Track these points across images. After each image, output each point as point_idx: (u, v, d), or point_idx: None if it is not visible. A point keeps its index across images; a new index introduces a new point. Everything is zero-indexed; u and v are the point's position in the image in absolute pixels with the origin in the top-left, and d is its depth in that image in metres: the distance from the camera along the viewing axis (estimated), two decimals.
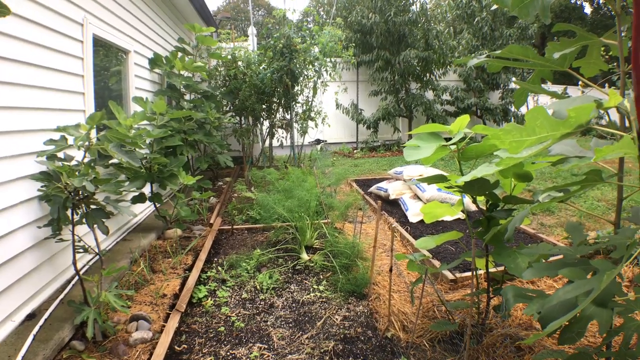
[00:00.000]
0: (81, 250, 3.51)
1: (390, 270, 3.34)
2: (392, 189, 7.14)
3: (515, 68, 14.49)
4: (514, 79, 15.08)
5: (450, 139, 2.70)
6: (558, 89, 18.21)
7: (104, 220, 3.47)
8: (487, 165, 1.93)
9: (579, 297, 1.67)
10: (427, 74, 14.51)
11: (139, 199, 5.10)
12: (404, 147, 2.67)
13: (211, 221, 6.11)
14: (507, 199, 2.83)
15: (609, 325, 1.70)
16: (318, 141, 14.04)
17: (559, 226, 5.75)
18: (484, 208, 3.02)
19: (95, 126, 3.51)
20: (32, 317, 3.24)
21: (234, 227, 5.98)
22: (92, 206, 3.46)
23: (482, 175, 1.95)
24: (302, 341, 3.23)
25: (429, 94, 15.17)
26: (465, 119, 2.76)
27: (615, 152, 1.35)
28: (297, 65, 9.55)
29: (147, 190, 5.28)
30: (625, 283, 3.79)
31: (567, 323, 1.78)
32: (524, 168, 2.70)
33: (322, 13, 27.84)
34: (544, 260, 2.46)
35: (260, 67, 9.90)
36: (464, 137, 2.68)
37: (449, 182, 2.93)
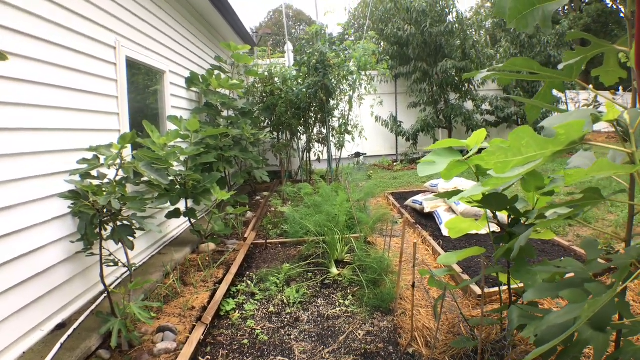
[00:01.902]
0: (112, 264, 3.65)
1: (413, 285, 3.34)
2: (427, 202, 7.10)
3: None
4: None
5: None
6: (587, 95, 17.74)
7: (130, 236, 3.60)
8: (477, 185, 1.91)
9: (577, 320, 1.64)
10: (466, 84, 14.37)
11: (174, 214, 5.23)
12: (419, 162, 2.67)
13: (245, 235, 6.20)
14: (516, 213, 2.79)
15: (605, 351, 1.65)
16: (357, 154, 14.06)
17: (595, 237, 5.62)
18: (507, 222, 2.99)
19: (130, 145, 3.64)
20: (62, 326, 3.40)
21: (268, 241, 6.05)
22: (121, 222, 3.59)
23: (477, 193, 1.93)
24: (323, 355, 3.25)
25: (469, 104, 15.02)
26: (482, 133, 2.75)
27: (593, 173, 1.33)
28: (332, 80, 9.62)
29: (182, 205, 5.41)
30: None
31: (563, 347, 1.75)
32: (545, 182, 2.66)
33: (356, 24, 27.93)
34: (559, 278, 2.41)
35: (296, 83, 10.02)
36: (479, 151, 2.67)
37: (469, 197, 2.91)
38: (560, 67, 2.02)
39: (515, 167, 1.42)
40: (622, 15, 1.96)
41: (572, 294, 1.70)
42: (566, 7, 31.19)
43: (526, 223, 2.89)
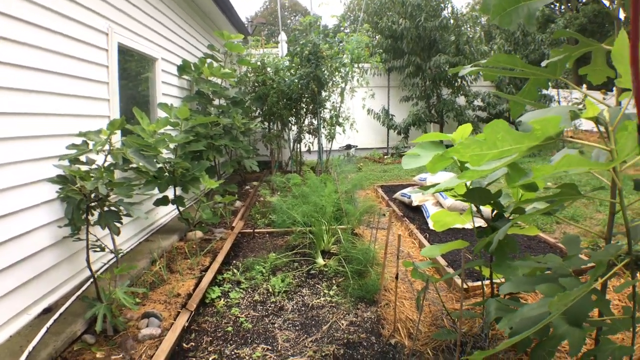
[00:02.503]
0: (98, 250, 3.67)
1: (396, 277, 3.37)
2: (415, 195, 7.14)
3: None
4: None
5: None
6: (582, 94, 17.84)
7: (117, 221, 3.62)
8: (453, 177, 1.94)
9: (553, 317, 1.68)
10: (459, 80, 14.41)
11: (162, 201, 5.24)
12: (404, 155, 2.70)
13: (233, 224, 6.23)
14: (500, 207, 2.83)
15: (581, 346, 1.68)
16: (349, 146, 14.09)
17: (582, 236, 5.67)
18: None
19: (119, 131, 3.65)
20: (48, 311, 3.42)
21: (255, 230, 6.08)
22: (107, 208, 3.60)
23: (453, 185, 1.96)
24: (306, 344, 3.29)
25: (461, 100, 15.06)
26: (467, 127, 2.78)
27: (561, 168, 1.35)
28: (324, 72, 9.63)
29: (170, 193, 5.42)
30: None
31: (538, 341, 1.78)
32: (528, 180, 2.70)
33: (351, 16, 27.89)
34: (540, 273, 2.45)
35: (288, 73, 10.02)
36: None
37: (454, 191, 2.95)
38: (543, 64, 2.05)
39: (491, 160, 1.45)
40: (621, 18, 1.99)
41: (547, 288, 1.73)
42: (562, 6, 31.21)
43: (509, 217, 2.93)
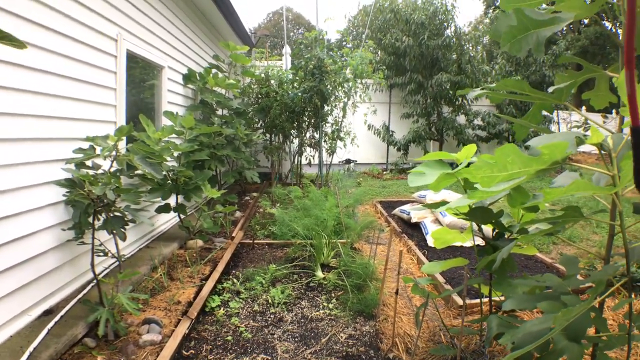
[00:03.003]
0: (101, 255, 3.71)
1: (397, 292, 3.42)
2: (415, 212, 7.19)
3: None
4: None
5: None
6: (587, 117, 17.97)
7: (122, 227, 3.66)
8: (463, 197, 2.00)
9: (552, 329, 1.73)
10: (460, 98, 14.52)
11: (164, 209, 5.28)
12: (410, 173, 2.76)
13: (233, 234, 6.27)
14: (501, 227, 2.88)
15: None
16: (348, 161, 14.16)
17: (578, 256, 5.71)
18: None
19: (125, 137, 3.71)
20: (49, 313, 3.46)
21: (255, 241, 6.12)
22: (114, 213, 3.65)
23: (464, 204, 2.01)
24: (305, 355, 3.32)
25: (461, 119, 15.17)
26: (472, 147, 2.84)
27: (570, 192, 1.41)
28: (327, 86, 9.71)
29: (172, 201, 5.46)
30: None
31: (538, 356, 1.83)
32: (535, 203, 2.75)
33: (354, 32, 28.12)
34: (539, 291, 2.50)
35: (292, 86, 10.10)
36: (468, 165, 2.75)
37: (456, 209, 3.00)
38: (550, 89, 2.11)
39: (501, 182, 1.50)
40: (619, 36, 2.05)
41: (548, 305, 1.79)
42: (564, 28, 31.48)
43: (510, 237, 2.99)
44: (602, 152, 1.79)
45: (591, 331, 2.28)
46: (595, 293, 1.69)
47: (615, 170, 1.65)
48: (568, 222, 1.86)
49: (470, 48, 14.98)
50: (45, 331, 3.08)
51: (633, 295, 4.04)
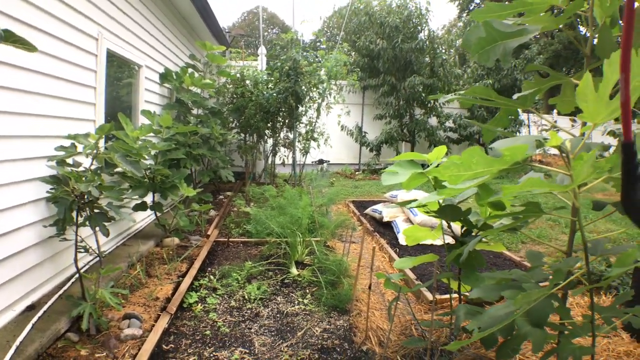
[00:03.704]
0: (82, 251, 3.78)
1: (369, 287, 3.56)
2: (386, 211, 7.35)
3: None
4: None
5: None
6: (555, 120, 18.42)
7: (105, 223, 3.73)
8: (433, 193, 2.15)
9: (516, 315, 1.88)
10: (432, 101, 14.77)
11: (141, 207, 5.34)
12: (383, 172, 2.90)
13: (208, 232, 6.35)
14: (469, 224, 3.03)
15: (542, 345, 1.89)
16: (321, 161, 14.30)
17: (547, 255, 5.94)
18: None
19: (104, 136, 3.78)
20: (32, 308, 3.51)
21: (230, 239, 6.21)
22: (96, 210, 3.72)
23: (434, 200, 2.15)
24: (282, 349, 3.44)
25: (433, 121, 15.44)
26: (442, 149, 2.99)
27: (524, 189, 1.56)
28: (302, 87, 9.84)
29: (149, 199, 5.52)
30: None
31: (503, 340, 1.98)
32: (497, 198, 2.91)
33: (329, 33, 28.29)
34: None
35: (267, 87, 10.20)
36: (438, 166, 2.90)
37: (426, 207, 3.15)
38: (515, 97, 2.27)
39: (466, 180, 1.65)
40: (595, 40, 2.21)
41: (511, 293, 1.95)
42: (537, 33, 31.92)
43: (477, 234, 3.15)
44: (563, 154, 1.96)
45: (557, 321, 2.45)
46: (554, 281, 1.85)
47: (572, 170, 1.81)
48: (529, 217, 2.01)
49: (443, 51, 15.25)
50: (30, 326, 3.15)
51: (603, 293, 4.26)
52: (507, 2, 2.14)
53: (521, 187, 1.55)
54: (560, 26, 2.25)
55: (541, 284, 2.05)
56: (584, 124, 2.28)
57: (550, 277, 1.97)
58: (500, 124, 2.55)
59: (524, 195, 2.23)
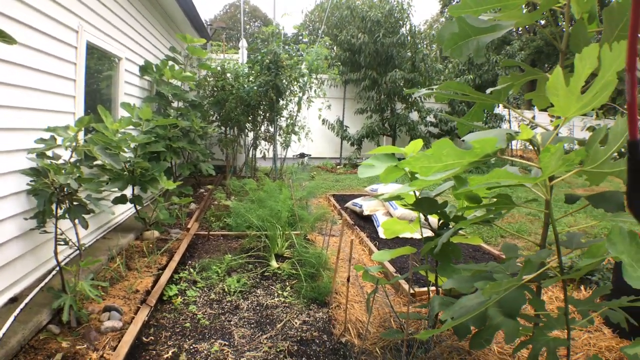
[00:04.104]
0: (62, 243, 3.77)
1: (348, 280, 3.59)
2: (367, 205, 7.40)
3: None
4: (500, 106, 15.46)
5: None
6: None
7: (84, 215, 3.74)
8: (405, 185, 2.19)
9: (489, 306, 1.93)
10: (413, 95, 14.84)
11: (121, 200, 5.32)
12: (358, 165, 2.93)
13: (189, 226, 6.34)
14: (445, 217, 3.09)
15: (515, 335, 1.94)
16: (302, 155, 14.31)
17: (525, 249, 6.03)
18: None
19: (83, 128, 3.77)
20: (14, 300, 3.52)
21: (210, 233, 6.21)
22: (75, 202, 3.72)
23: (406, 192, 2.19)
24: (261, 340, 3.47)
25: (414, 115, 15.52)
26: (418, 142, 3.03)
27: (491, 180, 1.60)
28: (283, 81, 9.83)
29: (129, 192, 5.50)
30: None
31: (476, 330, 2.03)
32: (474, 192, 2.97)
33: (311, 26, 28.27)
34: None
35: (248, 80, 10.18)
36: None
37: (403, 200, 3.19)
38: (488, 91, 2.32)
39: (437, 172, 1.69)
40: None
41: (483, 284, 1.99)
42: (520, 28, 32.20)
43: (453, 226, 3.20)
44: (535, 147, 2.01)
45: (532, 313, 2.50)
46: (524, 272, 1.89)
47: (540, 162, 1.85)
48: (501, 209, 2.06)
49: (425, 46, 15.33)
50: (12, 318, 3.16)
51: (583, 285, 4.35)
52: None
53: (488, 177, 1.59)
54: (542, 22, 2.29)
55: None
56: (552, 118, 2.34)
57: (532, 275, 2.02)
58: (475, 118, 2.60)
59: (500, 188, 2.28)
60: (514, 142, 15.00)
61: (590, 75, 1.59)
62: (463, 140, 1.97)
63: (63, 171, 3.44)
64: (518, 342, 2.44)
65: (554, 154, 1.55)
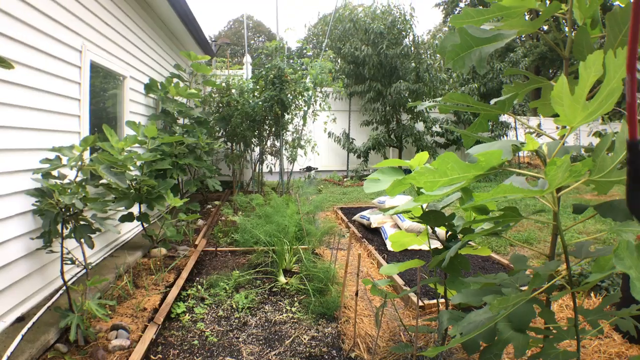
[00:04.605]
0: (69, 262, 3.77)
1: (356, 294, 3.57)
2: (374, 217, 7.38)
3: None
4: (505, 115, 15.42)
5: None
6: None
7: (90, 235, 3.74)
8: (410, 200, 2.16)
9: (498, 320, 1.90)
10: (417, 108, 14.80)
11: (127, 218, 5.32)
12: (364, 178, 2.91)
13: (196, 242, 6.33)
14: (453, 229, 3.06)
15: (524, 350, 1.90)
16: (309, 168, 14.32)
17: (535, 258, 5.98)
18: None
19: (89, 147, 3.78)
20: (21, 319, 3.52)
21: (218, 249, 6.20)
22: (81, 222, 3.72)
23: (411, 207, 2.17)
24: (270, 357, 3.44)
25: (420, 126, 15.51)
26: (424, 155, 3.01)
27: (496, 195, 1.58)
28: (288, 95, 9.86)
29: (136, 210, 5.50)
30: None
31: (485, 345, 2.00)
32: (472, 204, 2.93)
33: (314, 40, 28.40)
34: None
35: (252, 96, 10.21)
36: None
37: (411, 213, 3.17)
38: (492, 102, 2.29)
39: (442, 186, 1.67)
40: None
41: (492, 298, 1.96)
42: (523, 35, 32.20)
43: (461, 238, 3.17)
44: (541, 158, 1.99)
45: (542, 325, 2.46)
46: (533, 285, 1.86)
47: (546, 176, 1.83)
48: (508, 222, 2.03)
49: (429, 56, 15.35)
50: (19, 337, 3.17)
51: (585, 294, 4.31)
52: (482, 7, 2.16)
53: (493, 193, 1.57)
54: (545, 28, 2.28)
55: (524, 288, 2.06)
56: (558, 128, 2.32)
57: (543, 286, 1.98)
58: (479, 129, 2.58)
59: (508, 200, 2.26)
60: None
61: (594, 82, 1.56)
62: (466, 153, 1.95)
63: (68, 191, 3.45)
64: (529, 354, 2.40)
65: (561, 166, 1.52)
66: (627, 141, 1.18)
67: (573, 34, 2.14)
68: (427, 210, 3.04)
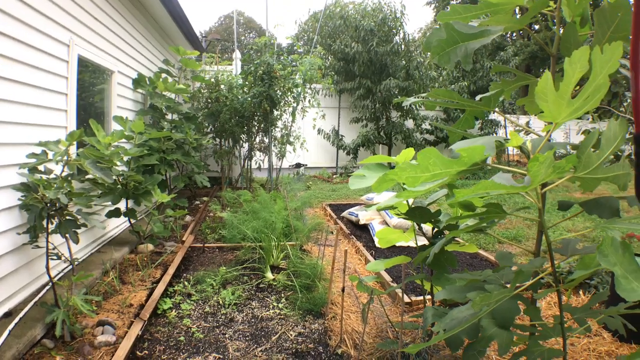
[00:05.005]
0: (55, 258, 3.75)
1: (343, 290, 3.57)
2: (363, 214, 7.38)
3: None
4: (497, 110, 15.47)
5: None
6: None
7: (76, 230, 3.72)
8: (392, 196, 2.16)
9: (481, 317, 1.90)
10: (403, 104, 14.81)
11: (114, 213, 5.29)
12: (350, 175, 2.91)
13: (184, 238, 6.31)
14: (438, 225, 3.06)
15: (509, 347, 1.90)
16: (298, 165, 14.30)
17: (522, 255, 6.00)
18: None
19: (75, 142, 3.76)
20: (8, 315, 3.51)
21: (205, 245, 6.18)
22: (66, 217, 3.70)
23: (393, 203, 2.17)
24: (256, 353, 3.43)
25: (409, 123, 15.53)
26: (410, 151, 3.01)
27: (477, 191, 1.57)
28: (277, 91, 9.84)
29: (122, 205, 5.47)
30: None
31: (469, 341, 2.00)
32: (455, 200, 2.94)
33: (305, 37, 28.36)
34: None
35: (241, 91, 10.18)
36: None
37: (396, 209, 3.17)
38: (477, 98, 2.30)
39: (425, 182, 1.67)
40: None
41: (476, 294, 1.96)
42: (514, 34, 32.26)
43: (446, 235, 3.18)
44: (525, 154, 1.99)
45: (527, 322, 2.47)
46: (516, 281, 1.87)
47: (529, 172, 1.83)
48: (492, 218, 2.03)
49: (419, 54, 15.36)
50: (7, 332, 3.17)
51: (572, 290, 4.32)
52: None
53: (474, 189, 1.56)
54: (537, 27, 2.28)
55: (509, 285, 2.07)
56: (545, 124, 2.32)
57: (527, 283, 1.99)
58: (465, 125, 2.58)
59: (496, 197, 2.26)
60: (510, 148, 15.04)
61: (581, 78, 1.57)
62: (449, 149, 1.95)
63: (54, 186, 3.42)
64: (513, 351, 2.41)
65: (544, 163, 1.52)
66: (634, 134, 1.22)
67: (561, 31, 2.14)
68: (412, 206, 3.04)
